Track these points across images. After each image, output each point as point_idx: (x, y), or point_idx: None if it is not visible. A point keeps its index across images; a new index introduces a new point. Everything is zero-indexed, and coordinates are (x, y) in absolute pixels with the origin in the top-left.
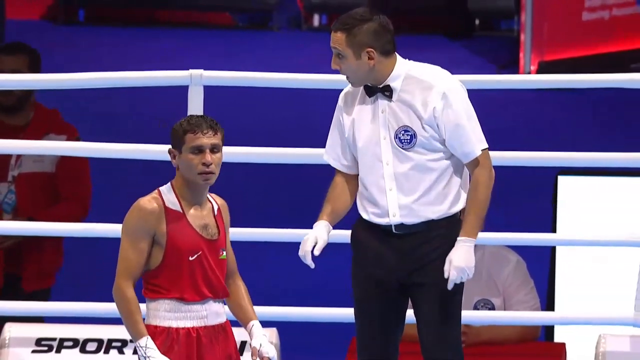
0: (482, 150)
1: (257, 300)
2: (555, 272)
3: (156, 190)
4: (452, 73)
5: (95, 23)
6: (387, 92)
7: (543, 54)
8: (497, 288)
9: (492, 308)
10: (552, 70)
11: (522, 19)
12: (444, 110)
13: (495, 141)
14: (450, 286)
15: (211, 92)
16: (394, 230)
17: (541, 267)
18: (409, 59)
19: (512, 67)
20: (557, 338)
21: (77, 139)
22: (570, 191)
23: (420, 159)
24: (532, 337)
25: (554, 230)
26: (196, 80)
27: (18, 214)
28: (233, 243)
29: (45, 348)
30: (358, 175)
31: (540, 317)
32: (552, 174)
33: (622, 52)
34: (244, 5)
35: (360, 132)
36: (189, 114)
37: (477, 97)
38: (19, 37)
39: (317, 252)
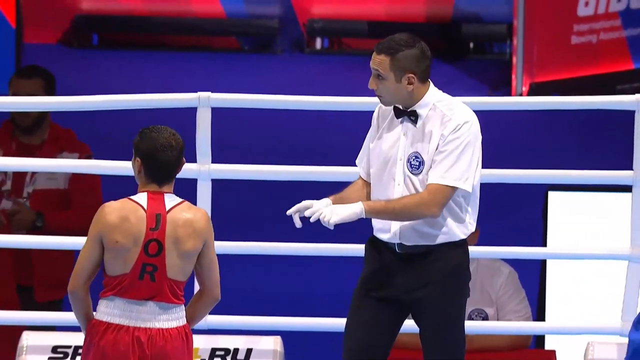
0: (445, 184)
1: (262, 310)
2: (546, 283)
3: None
4: (448, 94)
5: (108, 47)
6: (413, 116)
7: (534, 75)
8: (491, 298)
9: (486, 317)
10: (543, 91)
11: (514, 42)
12: (448, 136)
13: (490, 158)
14: (294, 208)
15: (218, 113)
16: (397, 250)
17: (532, 278)
18: None
19: (505, 88)
20: (548, 346)
21: (89, 157)
22: (559, 206)
23: (423, 186)
24: (524, 346)
25: (544, 243)
26: (204, 102)
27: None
28: (243, 256)
29: (61, 355)
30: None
31: (531, 326)
32: (542, 189)
33: (608, 74)
34: (249, 29)
35: (382, 149)
36: (197, 136)
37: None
38: (35, 61)
39: (307, 214)
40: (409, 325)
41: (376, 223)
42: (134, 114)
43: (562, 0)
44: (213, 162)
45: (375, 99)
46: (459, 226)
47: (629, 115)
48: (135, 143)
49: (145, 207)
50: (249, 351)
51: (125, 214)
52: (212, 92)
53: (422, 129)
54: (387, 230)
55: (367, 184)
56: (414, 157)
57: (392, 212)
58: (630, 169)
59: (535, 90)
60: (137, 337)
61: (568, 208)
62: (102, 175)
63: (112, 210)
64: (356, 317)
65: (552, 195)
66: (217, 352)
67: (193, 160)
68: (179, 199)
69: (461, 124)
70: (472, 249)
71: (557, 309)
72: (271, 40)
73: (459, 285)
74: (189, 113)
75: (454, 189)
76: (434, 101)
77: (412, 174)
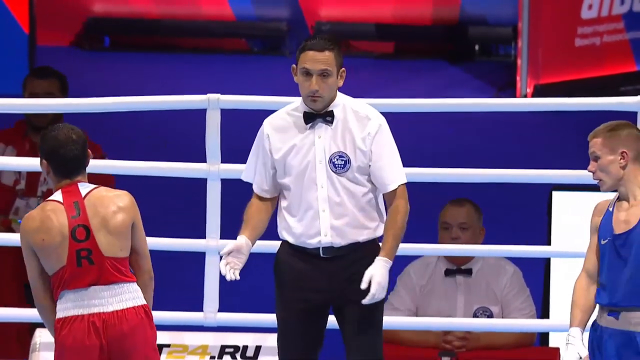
0: (401, 184)
1: (270, 308)
2: (550, 282)
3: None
4: (455, 95)
5: (120, 49)
6: (329, 117)
7: (538, 77)
8: (496, 296)
9: (491, 315)
10: (547, 92)
11: (519, 44)
12: (376, 141)
13: (494, 159)
14: (367, 300)
15: (228, 115)
16: (321, 254)
17: (537, 276)
18: (415, 82)
19: (510, 89)
20: (552, 343)
21: (102, 157)
22: (563, 205)
23: (351, 184)
24: (528, 343)
25: (548, 242)
26: (213, 104)
27: None
28: (252, 254)
29: None
30: (272, 198)
31: (536, 324)
32: (546, 189)
33: (612, 75)
34: (258, 32)
35: (295, 158)
36: (207, 135)
37: (478, 117)
38: (48, 62)
39: (222, 252)
40: (406, 322)
41: (303, 230)
42: (144, 115)
43: (566, 3)
44: (223, 162)
45: (383, 101)
46: (380, 223)
47: (631, 116)
48: (39, 146)
49: (62, 200)
50: (257, 348)
51: (44, 214)
52: (221, 93)
53: (340, 128)
54: (317, 234)
55: (264, 200)
56: (337, 157)
57: (399, 238)
58: None
59: (540, 91)
60: (92, 323)
61: (572, 208)
62: (115, 175)
63: (31, 217)
64: (289, 339)
65: (556, 195)
66: (227, 350)
67: (203, 160)
68: (94, 185)
69: (382, 123)
70: (478, 247)
71: (561, 307)
72: (280, 42)
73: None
74: (199, 114)
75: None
76: (343, 102)
77: (337, 173)
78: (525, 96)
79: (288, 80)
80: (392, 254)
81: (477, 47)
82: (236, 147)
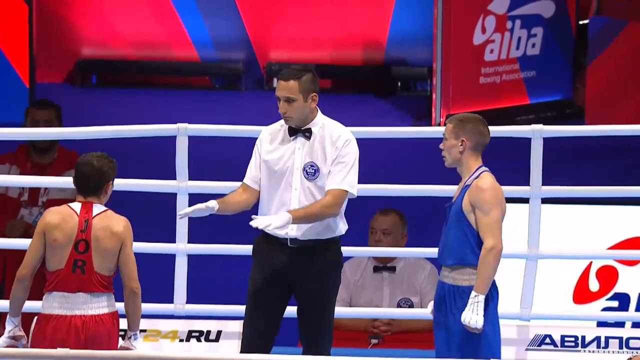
0: (343, 189)
1: (229, 300)
2: None
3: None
4: (379, 124)
5: (105, 86)
6: (308, 133)
7: (449, 109)
8: (415, 289)
9: (412, 305)
10: None
11: (434, 82)
12: (340, 152)
13: (416, 177)
14: (255, 223)
15: (194, 140)
16: (289, 244)
17: None
18: (349, 113)
19: (426, 119)
20: None
21: None
22: None
23: (318, 189)
24: None
25: None
26: (182, 132)
27: None
28: (212, 255)
29: None
30: (258, 190)
31: None
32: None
33: (509, 107)
34: (219, 71)
35: (278, 163)
36: (177, 159)
37: (402, 142)
38: (45, 96)
39: (188, 210)
40: (342, 311)
41: None
42: (124, 141)
43: (472, 48)
44: (190, 179)
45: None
46: (341, 225)
47: (526, 141)
48: None
49: (78, 213)
50: (219, 332)
51: (64, 217)
52: (189, 122)
53: (315, 143)
54: (286, 227)
55: (249, 189)
56: (309, 166)
57: (312, 216)
58: (527, 184)
59: None
60: (74, 324)
61: None
62: None
63: (54, 213)
64: (254, 310)
65: None
66: (193, 334)
67: (173, 178)
68: (104, 208)
69: (349, 140)
70: (402, 249)
71: None
72: (237, 80)
73: (339, 276)
74: (171, 140)
75: (347, 193)
76: (322, 122)
77: (308, 180)
78: (439, 125)
79: (244, 111)
80: (298, 217)
81: (399, 84)
82: (201, 167)
